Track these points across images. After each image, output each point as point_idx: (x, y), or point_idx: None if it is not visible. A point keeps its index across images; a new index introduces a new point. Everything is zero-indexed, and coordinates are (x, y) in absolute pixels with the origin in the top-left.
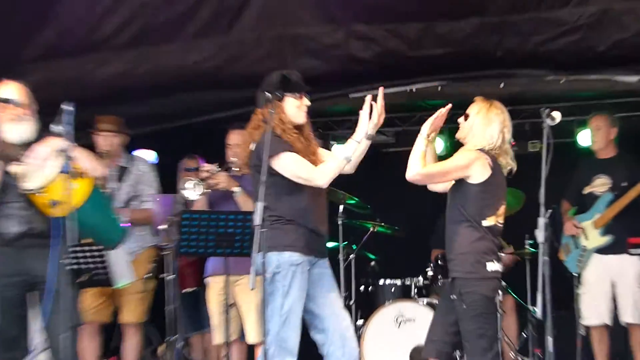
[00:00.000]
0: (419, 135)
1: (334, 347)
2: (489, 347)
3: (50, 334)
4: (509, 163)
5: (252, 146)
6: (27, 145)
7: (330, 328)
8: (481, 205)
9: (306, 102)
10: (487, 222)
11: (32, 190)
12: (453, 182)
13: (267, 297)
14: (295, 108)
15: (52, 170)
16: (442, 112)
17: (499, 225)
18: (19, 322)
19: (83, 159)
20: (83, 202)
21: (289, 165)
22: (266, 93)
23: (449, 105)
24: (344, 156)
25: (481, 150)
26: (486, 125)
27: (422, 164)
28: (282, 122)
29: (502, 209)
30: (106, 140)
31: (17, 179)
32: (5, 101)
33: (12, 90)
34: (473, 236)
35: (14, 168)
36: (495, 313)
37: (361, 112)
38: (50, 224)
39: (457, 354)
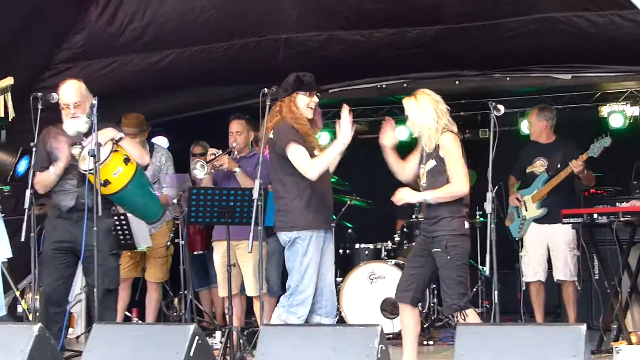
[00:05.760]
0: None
1: (326, 302)
2: (465, 292)
3: (90, 291)
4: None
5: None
6: (85, 134)
7: (325, 285)
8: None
9: (315, 99)
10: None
11: (87, 170)
12: (432, 162)
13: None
14: (305, 104)
15: (104, 155)
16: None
17: None
18: (66, 282)
19: (130, 148)
20: (128, 184)
21: (293, 155)
22: (272, 89)
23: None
24: (334, 153)
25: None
26: (423, 111)
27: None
28: (294, 114)
29: None
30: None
31: (77, 161)
32: (66, 106)
33: (70, 90)
34: (458, 202)
35: (75, 151)
36: (469, 265)
37: (343, 120)
38: (99, 201)
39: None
